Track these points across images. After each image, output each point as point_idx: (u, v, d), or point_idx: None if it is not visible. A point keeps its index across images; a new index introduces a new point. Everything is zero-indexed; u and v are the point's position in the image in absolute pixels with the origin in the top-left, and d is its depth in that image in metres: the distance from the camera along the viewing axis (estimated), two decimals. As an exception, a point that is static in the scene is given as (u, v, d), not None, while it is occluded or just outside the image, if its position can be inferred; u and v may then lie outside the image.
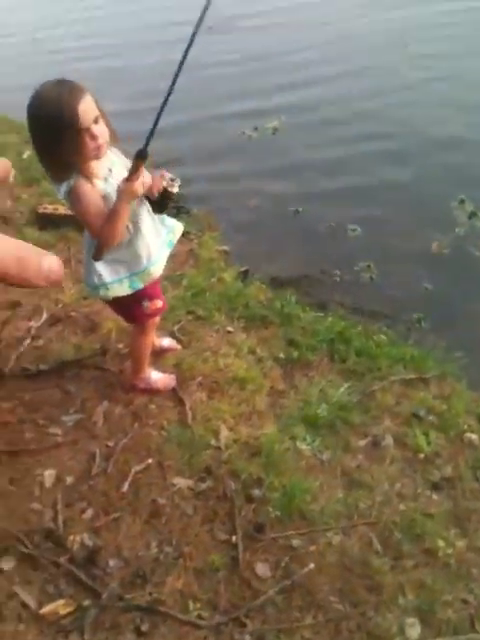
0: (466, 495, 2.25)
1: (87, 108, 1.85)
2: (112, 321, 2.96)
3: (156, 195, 2.10)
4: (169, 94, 1.87)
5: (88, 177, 1.98)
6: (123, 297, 2.25)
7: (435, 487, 2.29)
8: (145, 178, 2.04)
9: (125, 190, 1.97)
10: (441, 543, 2.07)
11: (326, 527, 2.13)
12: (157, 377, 2.68)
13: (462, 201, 4.05)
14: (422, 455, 2.41)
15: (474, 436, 2.48)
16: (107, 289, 2.21)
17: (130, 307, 2.36)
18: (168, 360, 2.84)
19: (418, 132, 5.10)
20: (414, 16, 7.67)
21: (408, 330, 3.15)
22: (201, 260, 3.70)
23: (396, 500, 2.23)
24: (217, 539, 2.10)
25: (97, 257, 2.12)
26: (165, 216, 2.29)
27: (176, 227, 2.38)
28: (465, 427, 2.52)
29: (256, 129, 5.54)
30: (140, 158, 1.93)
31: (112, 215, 1.99)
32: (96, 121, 1.89)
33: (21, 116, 5.29)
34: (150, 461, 2.36)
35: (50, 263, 0.48)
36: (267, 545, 2.08)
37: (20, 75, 7.07)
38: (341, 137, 5.19)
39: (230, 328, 3.08)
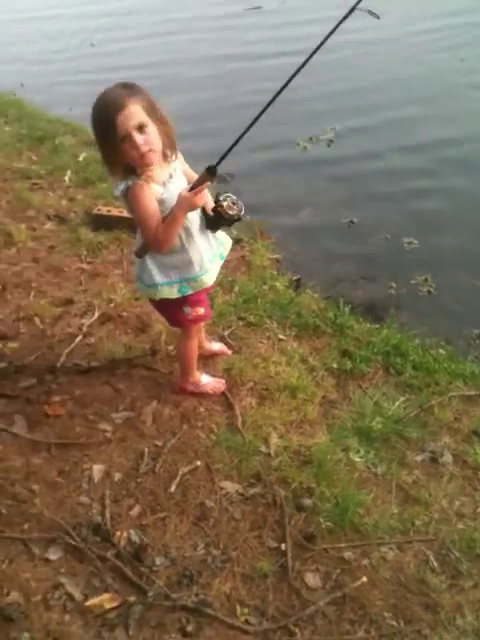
0: None
1: (128, 116, 1.91)
2: (162, 323, 2.98)
3: (211, 212, 2.15)
4: (254, 122, 1.96)
5: (146, 180, 2.04)
6: (167, 301, 2.30)
7: (497, 507, 2.23)
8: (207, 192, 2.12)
9: (186, 200, 2.04)
10: (502, 565, 2.01)
11: (380, 541, 2.09)
12: (207, 381, 2.70)
13: (527, 215, 3.99)
14: (482, 474, 2.36)
15: None
16: (156, 290, 2.27)
17: (171, 310, 2.42)
18: (218, 365, 2.85)
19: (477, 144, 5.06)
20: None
21: (468, 346, 3.09)
22: (253, 267, 3.72)
23: (455, 518, 2.18)
24: (266, 546, 2.08)
25: (139, 254, 2.21)
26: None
27: (226, 241, 2.45)
28: None
29: (311, 140, 5.56)
30: (209, 174, 2.00)
31: (168, 221, 2.07)
32: (140, 129, 1.94)
33: (77, 117, 5.45)
34: (198, 463, 2.36)
35: None
36: (318, 556, 2.05)
37: (78, 76, 7.32)
38: (398, 148, 5.18)
39: (282, 336, 3.08)
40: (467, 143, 5.14)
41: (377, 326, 3.17)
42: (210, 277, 2.33)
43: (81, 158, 5.14)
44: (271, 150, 5.36)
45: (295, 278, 3.65)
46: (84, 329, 3.07)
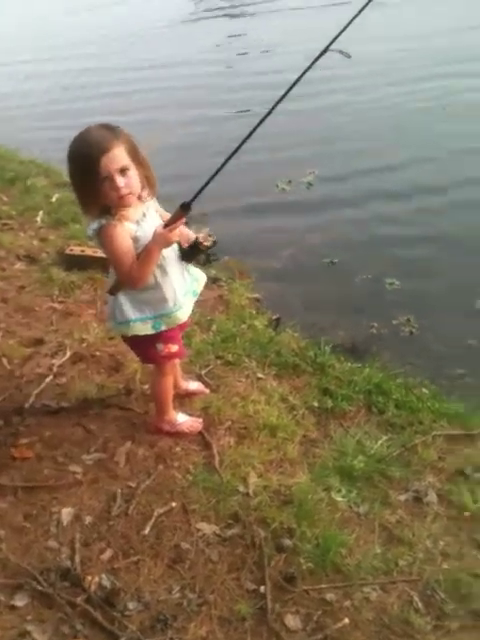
0: (516, 555, 2.22)
1: (112, 159, 2.01)
2: (137, 362, 3.02)
3: (187, 245, 2.27)
4: (228, 158, 2.10)
5: (120, 219, 2.14)
6: (140, 337, 2.36)
7: (482, 547, 2.26)
8: (181, 228, 2.22)
9: (161, 236, 2.15)
10: (489, 605, 2.04)
11: (363, 582, 2.11)
12: (183, 420, 2.73)
13: (509, 256, 4.14)
14: (468, 513, 2.39)
15: (524, 495, 2.46)
16: (128, 326, 2.33)
17: (144, 347, 2.48)
18: (195, 403, 2.89)
19: (460, 184, 5.25)
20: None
21: (452, 385, 3.16)
22: (231, 306, 3.80)
23: (439, 558, 2.20)
24: (244, 588, 2.08)
25: (112, 292, 2.29)
26: (190, 265, 2.45)
27: (200, 277, 2.53)
28: (514, 486, 2.51)
29: (290, 182, 5.74)
30: (183, 210, 2.12)
31: (143, 257, 2.16)
32: (122, 172, 2.05)
33: (50, 159, 5.61)
34: (174, 504, 2.38)
35: None
36: (298, 597, 2.06)
37: (50, 120, 7.52)
38: (377, 191, 5.37)
39: (261, 375, 3.13)
40: (449, 189, 5.32)
41: (359, 365, 3.24)
42: (184, 313, 2.40)
43: (54, 199, 5.25)
44: (250, 191, 5.55)
45: (274, 317, 3.74)
46: (54, 369, 3.10)
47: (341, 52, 2.13)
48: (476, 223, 4.68)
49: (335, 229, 4.91)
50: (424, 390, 3.09)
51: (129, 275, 2.18)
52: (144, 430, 2.73)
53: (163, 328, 2.36)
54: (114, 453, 2.61)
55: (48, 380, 3.03)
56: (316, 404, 2.93)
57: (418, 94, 7.41)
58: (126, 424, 2.77)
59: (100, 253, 3.74)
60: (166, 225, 2.15)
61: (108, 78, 9.24)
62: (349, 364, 3.25)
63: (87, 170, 2.02)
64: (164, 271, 2.27)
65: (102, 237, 2.15)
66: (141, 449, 2.63)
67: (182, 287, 2.38)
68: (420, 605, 2.04)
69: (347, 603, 2.04)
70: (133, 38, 11.34)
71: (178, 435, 2.69)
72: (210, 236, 2.25)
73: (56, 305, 3.75)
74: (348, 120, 7.01)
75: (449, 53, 8.51)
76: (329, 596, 2.05)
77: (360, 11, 2.14)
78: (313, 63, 2.12)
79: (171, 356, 2.51)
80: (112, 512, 2.34)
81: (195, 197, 2.12)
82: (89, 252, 4.16)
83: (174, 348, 2.48)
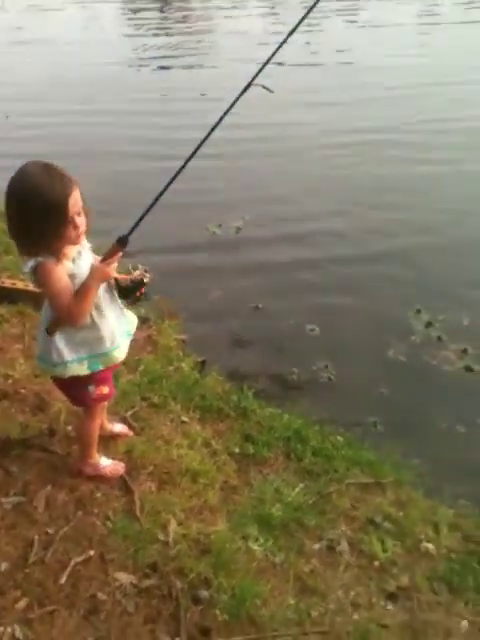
0: (422, 606, 2.25)
1: (76, 201, 2.00)
2: (62, 402, 2.93)
3: (127, 282, 2.24)
4: (161, 193, 2.08)
5: (58, 257, 2.09)
6: (73, 378, 2.29)
7: (390, 597, 2.28)
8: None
9: (99, 270, 2.11)
10: (396, 656, 2.05)
11: (275, 634, 2.08)
12: (106, 464, 2.65)
13: (418, 311, 4.27)
14: (377, 563, 2.42)
15: (430, 546, 2.51)
16: (65, 367, 2.25)
17: (76, 389, 2.40)
18: (119, 447, 2.81)
19: (377, 240, 5.40)
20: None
21: (364, 433, 3.22)
22: (159, 347, 3.75)
23: (350, 609, 2.21)
24: (159, 641, 2.02)
25: (51, 331, 2.20)
26: (123, 308, 2.41)
27: (133, 318, 2.49)
28: (421, 536, 2.55)
29: (220, 226, 5.76)
30: (120, 244, 2.11)
31: (82, 292, 2.11)
32: (79, 213, 2.04)
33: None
34: (92, 553, 2.29)
35: None
36: (213, 650, 2.01)
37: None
38: (303, 240, 5.45)
39: (185, 418, 3.09)
40: (364, 241, 5.45)
41: (279, 411, 3.25)
42: (121, 352, 2.35)
43: (-15, 229, 5.07)
44: (181, 234, 5.53)
45: (200, 360, 3.71)
46: (-24, 406, 2.96)
47: (264, 87, 2.23)
48: (392, 280, 4.80)
49: (260, 274, 4.93)
50: (339, 437, 3.12)
51: (68, 311, 2.12)
52: (66, 473, 2.63)
53: (100, 368, 2.30)
54: (33, 497, 2.50)
55: (-32, 417, 2.89)
56: (237, 450, 2.91)
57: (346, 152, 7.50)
58: (48, 467, 2.67)
59: (32, 287, 3.62)
60: (103, 259, 2.13)
61: (51, 119, 9.00)
62: (270, 409, 3.25)
63: (56, 211, 1.96)
64: (100, 310, 2.23)
65: (39, 274, 2.08)
66: (61, 494, 2.53)
67: (119, 326, 2.33)
68: (330, 657, 2.04)
69: (260, 656, 2.01)
70: (77, 82, 11.11)
71: (100, 479, 2.60)
72: (146, 272, 2.24)
73: (-18, 338, 3.60)
74: (274, 178, 7.04)
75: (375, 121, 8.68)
76: (243, 649, 2.02)
77: (280, 46, 2.23)
78: (240, 95, 2.21)
79: (102, 398, 2.45)
80: (29, 559, 2.24)
81: (131, 231, 2.13)
82: (20, 285, 4.03)
83: (105, 390, 2.42)
